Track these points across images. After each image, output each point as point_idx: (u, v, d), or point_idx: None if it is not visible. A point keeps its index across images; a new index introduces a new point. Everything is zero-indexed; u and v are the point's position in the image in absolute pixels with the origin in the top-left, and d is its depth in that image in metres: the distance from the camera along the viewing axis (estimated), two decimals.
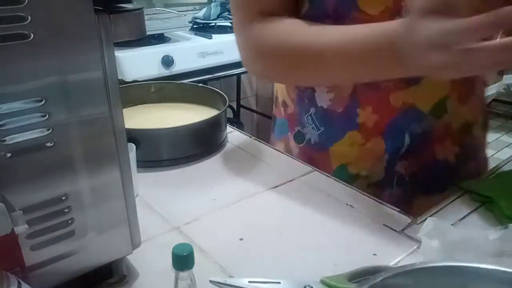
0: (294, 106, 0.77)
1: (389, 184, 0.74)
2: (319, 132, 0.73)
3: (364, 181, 0.72)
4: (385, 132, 0.69)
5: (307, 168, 0.85)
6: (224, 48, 1.90)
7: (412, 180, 0.72)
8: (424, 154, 0.71)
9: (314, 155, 0.76)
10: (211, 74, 1.86)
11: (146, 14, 1.94)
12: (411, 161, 0.71)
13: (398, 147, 0.70)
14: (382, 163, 0.71)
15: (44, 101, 0.41)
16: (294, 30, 0.62)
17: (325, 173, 0.83)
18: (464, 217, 0.69)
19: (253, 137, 0.99)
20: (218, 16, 2.10)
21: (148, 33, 1.70)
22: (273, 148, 0.94)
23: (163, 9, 2.08)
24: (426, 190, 0.73)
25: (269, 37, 0.63)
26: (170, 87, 1.10)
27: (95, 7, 0.42)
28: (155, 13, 2.04)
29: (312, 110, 0.72)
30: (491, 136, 3.53)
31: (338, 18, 0.64)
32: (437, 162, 0.72)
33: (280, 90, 0.83)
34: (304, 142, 0.76)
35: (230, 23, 2.13)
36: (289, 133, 0.81)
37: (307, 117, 0.74)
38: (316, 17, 0.64)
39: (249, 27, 0.65)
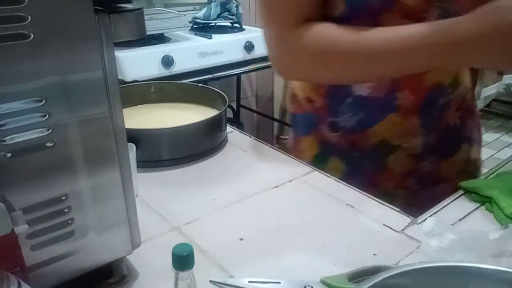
0: (323, 100, 0.80)
1: (425, 155, 0.79)
2: (358, 118, 0.76)
3: (403, 152, 0.77)
4: (419, 109, 0.74)
5: (307, 168, 0.85)
6: (224, 48, 1.90)
7: (435, 149, 0.78)
8: (441, 123, 0.78)
9: (353, 138, 0.79)
10: (211, 74, 1.86)
11: (146, 14, 1.94)
12: (435, 131, 0.77)
13: (430, 121, 0.76)
14: (419, 138, 0.77)
15: (44, 101, 0.41)
16: (343, 32, 0.65)
17: (325, 173, 0.83)
18: (464, 217, 0.69)
19: (253, 137, 0.99)
20: (218, 16, 2.10)
21: (148, 33, 1.70)
22: (273, 148, 0.94)
23: (163, 9, 2.08)
24: (442, 156, 0.80)
25: (318, 41, 0.66)
26: (170, 87, 1.10)
27: (95, 7, 0.42)
28: (155, 13, 2.04)
29: (349, 99, 0.75)
30: (491, 136, 3.53)
31: (376, 13, 0.66)
32: (448, 127, 0.79)
33: (301, 87, 0.85)
34: (340, 131, 0.79)
35: (230, 23, 2.13)
36: (322, 125, 0.83)
37: (342, 107, 0.77)
38: (353, 17, 0.67)
39: (293, 35, 0.67)
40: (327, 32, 0.66)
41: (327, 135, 0.82)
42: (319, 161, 0.84)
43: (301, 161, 0.88)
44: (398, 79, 0.72)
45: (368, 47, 0.62)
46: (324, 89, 0.80)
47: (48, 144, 0.43)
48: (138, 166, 0.77)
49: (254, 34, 2.04)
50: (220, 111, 0.93)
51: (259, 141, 0.97)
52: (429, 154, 0.79)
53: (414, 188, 0.82)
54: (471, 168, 0.87)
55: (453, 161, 0.81)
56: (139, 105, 1.05)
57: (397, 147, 0.77)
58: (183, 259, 0.43)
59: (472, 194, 0.73)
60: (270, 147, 0.95)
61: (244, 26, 2.14)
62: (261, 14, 0.72)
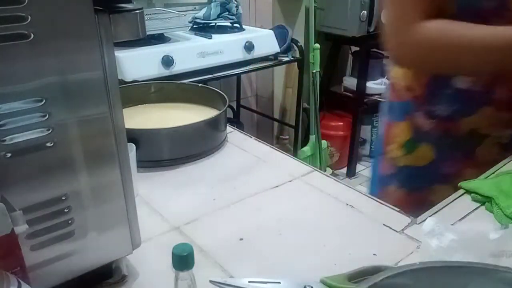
0: (424, 89, 0.85)
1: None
2: (453, 108, 0.82)
3: (492, 141, 0.82)
4: None
5: (307, 168, 0.85)
6: (224, 48, 1.90)
7: None
8: None
9: (446, 126, 0.84)
10: (211, 74, 1.86)
11: (146, 14, 1.93)
12: None
13: None
14: (509, 130, 0.81)
15: (44, 101, 0.41)
16: (460, 26, 0.72)
17: (325, 173, 0.83)
18: (464, 217, 0.69)
19: (253, 137, 0.99)
20: (218, 16, 2.10)
21: (148, 33, 1.69)
22: (273, 148, 0.94)
23: (163, 9, 2.08)
24: None
25: (438, 33, 0.74)
26: (170, 87, 1.10)
27: (95, 7, 0.42)
28: (155, 13, 2.04)
29: (448, 91, 0.81)
30: None
31: (485, 17, 0.71)
32: None
33: (402, 77, 0.90)
34: (436, 118, 0.84)
35: (230, 23, 2.13)
36: (418, 112, 0.88)
37: (441, 97, 0.83)
38: (461, 19, 0.72)
39: (415, 27, 0.74)
40: (445, 26, 0.73)
41: (422, 122, 0.87)
42: (409, 147, 0.89)
43: (301, 161, 0.88)
44: (499, 75, 0.76)
45: (481, 41, 0.70)
46: (426, 80, 0.84)
47: (48, 144, 0.43)
48: (138, 166, 0.77)
49: (254, 34, 2.04)
50: (220, 111, 0.93)
51: (259, 141, 0.97)
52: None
53: None
54: None
55: None
56: (139, 105, 1.05)
57: (486, 136, 0.82)
58: (183, 259, 0.43)
59: (472, 194, 0.73)
60: (270, 147, 0.95)
61: (244, 26, 2.14)
62: (389, 2, 0.78)
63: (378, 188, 0.99)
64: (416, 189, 0.90)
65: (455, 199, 0.73)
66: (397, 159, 0.92)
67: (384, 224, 0.67)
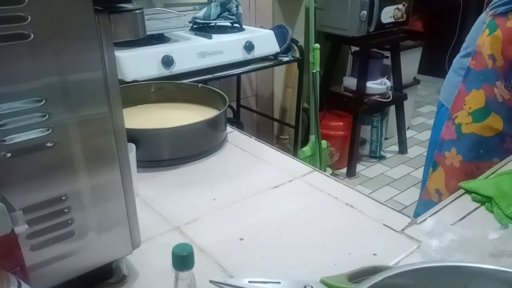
0: (506, 63, 0.87)
1: None
2: None
3: None
4: None
5: (307, 168, 0.85)
6: (224, 48, 1.89)
7: None
8: None
9: None
10: (211, 74, 1.85)
11: (146, 14, 1.93)
12: None
13: None
14: None
15: (44, 101, 0.41)
16: None
17: (325, 173, 0.83)
18: (464, 217, 0.69)
19: (253, 137, 0.99)
20: (218, 16, 2.10)
21: (148, 33, 1.69)
22: (273, 148, 0.94)
23: (163, 9, 2.08)
24: None
25: None
26: (170, 87, 1.10)
27: (95, 7, 0.42)
28: (155, 13, 2.03)
29: None
30: None
31: None
32: None
33: (489, 46, 0.90)
34: None
35: (230, 23, 2.13)
36: (499, 82, 0.89)
37: None
38: None
39: None
40: None
41: (498, 92, 0.88)
42: (480, 115, 0.89)
43: (301, 161, 0.88)
44: None
45: None
46: (511, 54, 0.85)
47: (48, 144, 0.43)
48: (138, 166, 0.77)
49: (254, 34, 2.03)
50: (220, 111, 0.93)
51: (259, 141, 0.97)
52: None
53: None
54: None
55: None
56: (139, 105, 1.05)
57: None
58: (183, 259, 0.43)
59: (472, 194, 0.73)
60: (270, 147, 0.95)
61: (244, 26, 2.14)
62: None
63: (434, 151, 0.99)
64: (473, 159, 0.90)
65: (455, 199, 0.73)
66: (463, 126, 0.91)
67: (384, 224, 0.67)
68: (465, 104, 0.93)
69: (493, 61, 0.90)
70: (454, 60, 1.04)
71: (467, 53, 0.98)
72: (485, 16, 0.96)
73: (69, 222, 0.47)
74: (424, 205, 0.99)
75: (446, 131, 0.97)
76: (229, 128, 1.00)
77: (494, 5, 0.92)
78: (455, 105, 0.96)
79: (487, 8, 0.95)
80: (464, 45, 1.02)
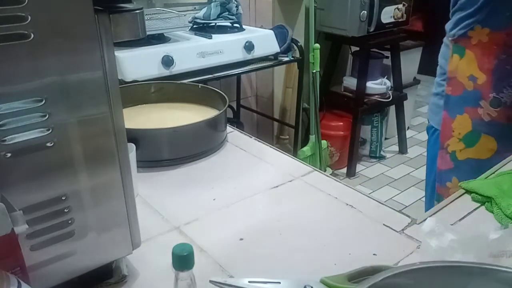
0: (489, 76, 0.85)
1: None
2: None
3: None
4: None
5: (307, 168, 0.85)
6: (224, 48, 1.89)
7: None
8: None
9: (510, 114, 0.85)
10: (211, 74, 1.85)
11: (146, 14, 1.93)
12: None
13: None
14: None
15: (44, 101, 0.41)
16: None
17: (325, 173, 0.83)
18: (464, 217, 0.69)
19: (253, 137, 0.99)
20: (218, 16, 2.10)
21: (148, 33, 1.69)
22: (273, 148, 0.94)
23: (163, 9, 2.08)
24: None
25: None
26: (170, 87, 1.10)
27: (95, 7, 0.42)
28: (155, 13, 2.03)
29: None
30: None
31: None
32: None
33: (463, 68, 0.90)
34: (502, 106, 0.84)
35: (230, 23, 2.13)
36: (482, 101, 0.88)
37: (509, 81, 0.83)
38: None
39: None
40: None
41: (484, 112, 0.87)
42: (470, 139, 0.89)
43: (301, 161, 0.88)
44: None
45: None
46: (491, 66, 0.85)
47: (48, 144, 0.43)
48: (138, 166, 0.77)
49: (254, 34, 2.03)
50: (220, 111, 0.93)
51: (259, 141, 0.97)
52: None
53: None
54: None
55: None
56: (139, 105, 1.05)
57: None
58: (183, 259, 0.43)
59: (472, 194, 0.73)
60: (270, 147, 0.95)
61: (244, 26, 2.14)
62: None
63: (437, 185, 0.98)
64: None
65: (455, 199, 0.73)
66: (457, 153, 0.91)
67: (384, 224, 0.67)
68: (453, 131, 0.93)
69: (473, 81, 0.89)
70: (435, 83, 1.03)
71: (445, 77, 0.98)
72: (446, 41, 0.96)
73: (69, 222, 0.47)
74: None
75: (442, 162, 0.96)
76: (229, 128, 1.00)
77: (451, 32, 0.92)
78: (443, 134, 0.95)
79: (447, 36, 0.95)
80: (439, 69, 1.01)
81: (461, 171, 0.91)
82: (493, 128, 0.87)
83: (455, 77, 0.92)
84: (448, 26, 0.94)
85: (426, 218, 0.63)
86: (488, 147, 0.87)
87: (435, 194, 1.01)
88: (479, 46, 0.86)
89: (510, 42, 0.82)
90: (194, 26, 2.11)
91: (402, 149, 2.97)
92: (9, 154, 0.41)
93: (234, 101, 2.53)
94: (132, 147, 0.74)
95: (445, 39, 0.98)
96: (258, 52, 1.98)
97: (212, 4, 2.11)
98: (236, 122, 2.43)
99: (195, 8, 2.34)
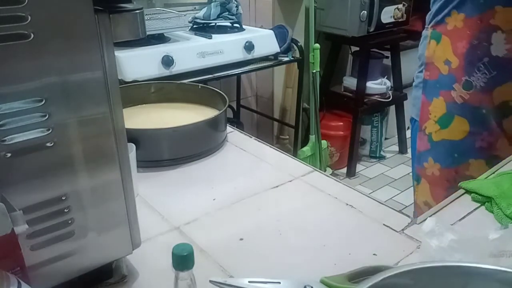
0: (462, 60, 0.90)
1: None
2: (490, 76, 0.86)
3: None
4: None
5: (307, 168, 0.85)
6: (224, 48, 1.89)
7: None
8: None
9: (481, 97, 0.88)
10: (211, 74, 1.85)
11: (146, 14, 1.93)
12: None
13: None
14: None
15: (44, 101, 0.41)
16: None
17: (325, 173, 0.83)
18: (464, 217, 0.69)
19: (253, 137, 0.99)
20: (218, 16, 2.10)
21: (148, 33, 1.69)
22: (273, 148, 0.94)
23: (163, 9, 2.08)
24: None
25: None
26: (170, 87, 1.10)
27: (95, 7, 0.42)
28: (155, 13, 2.03)
29: (486, 59, 0.86)
30: None
31: None
32: None
33: (440, 53, 0.94)
34: (473, 89, 0.88)
35: (230, 23, 2.13)
36: (456, 84, 0.92)
37: (478, 66, 0.87)
38: None
39: None
40: None
41: (457, 95, 0.91)
42: (445, 121, 0.93)
43: (301, 161, 0.88)
44: None
45: None
46: (463, 50, 0.89)
47: (48, 144, 0.43)
48: (138, 166, 0.77)
49: (254, 34, 2.03)
50: (220, 111, 0.93)
51: (259, 141, 0.97)
52: None
53: None
54: None
55: None
56: (139, 105, 1.05)
57: None
58: (183, 259, 0.43)
59: (472, 194, 0.73)
60: (270, 147, 0.95)
61: (244, 26, 2.14)
62: None
63: (416, 166, 1.02)
64: (450, 164, 0.92)
65: (455, 199, 0.73)
66: (433, 134, 0.94)
67: (384, 224, 0.67)
68: (430, 114, 0.96)
69: (448, 65, 0.93)
70: (414, 77, 1.08)
71: (423, 68, 1.02)
72: (426, 33, 1.00)
73: (69, 222, 0.47)
74: None
75: (420, 143, 0.99)
76: (229, 128, 1.00)
77: (429, 19, 0.97)
78: (422, 116, 0.98)
79: (426, 26, 1.00)
80: (419, 62, 1.06)
81: (436, 152, 0.95)
82: (465, 111, 0.90)
83: (432, 62, 0.96)
84: (428, 16, 0.98)
85: (426, 218, 0.63)
86: (461, 128, 0.90)
87: (415, 176, 1.04)
88: (454, 31, 0.89)
89: (482, 28, 0.85)
90: (194, 26, 2.11)
91: (402, 149, 2.97)
92: (9, 154, 0.41)
93: (234, 101, 2.53)
94: (132, 147, 0.74)
95: (424, 31, 1.01)
96: (258, 52, 1.98)
97: (212, 4, 2.11)
98: (236, 122, 2.43)
99: (195, 8, 2.34)
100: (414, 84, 1.07)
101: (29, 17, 0.38)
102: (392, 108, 2.90)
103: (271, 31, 2.09)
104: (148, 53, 1.71)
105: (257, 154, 0.91)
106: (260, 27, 2.27)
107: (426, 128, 0.97)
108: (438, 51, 0.94)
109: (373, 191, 2.51)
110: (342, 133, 2.70)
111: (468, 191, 0.74)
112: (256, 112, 2.66)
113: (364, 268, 0.52)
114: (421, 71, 1.02)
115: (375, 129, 2.82)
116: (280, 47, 2.06)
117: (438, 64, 0.94)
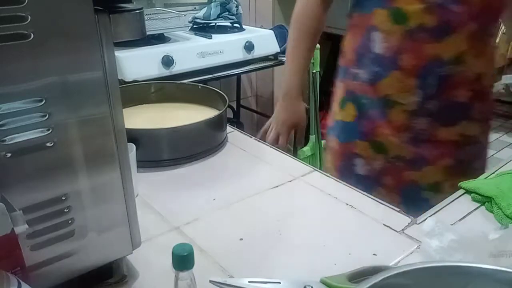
0: (353, 54, 1.01)
1: (420, 115, 0.94)
2: (372, 71, 0.96)
3: (400, 108, 0.94)
4: (418, 73, 0.91)
5: (307, 168, 0.85)
6: (224, 48, 1.89)
7: (436, 115, 0.94)
8: (446, 96, 0.93)
9: (366, 88, 0.98)
10: (211, 74, 1.85)
11: (146, 14, 1.93)
12: (436, 100, 0.93)
13: (427, 87, 0.92)
14: (415, 97, 0.93)
15: (44, 101, 0.41)
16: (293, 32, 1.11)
17: (325, 173, 0.84)
18: (464, 217, 0.69)
19: (253, 137, 0.99)
20: (218, 16, 2.10)
21: (148, 33, 1.69)
22: (273, 148, 0.94)
23: (163, 9, 2.08)
24: (445, 123, 0.96)
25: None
26: (170, 87, 1.10)
27: (95, 7, 0.42)
28: (155, 13, 2.04)
29: (371, 55, 0.95)
30: (491, 136, 3.52)
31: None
32: (455, 103, 0.94)
33: (345, 45, 1.06)
34: (359, 81, 0.99)
35: (230, 23, 2.13)
36: (348, 75, 1.04)
37: (365, 60, 0.97)
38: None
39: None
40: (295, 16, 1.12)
41: (351, 83, 1.02)
42: (342, 104, 1.06)
43: (301, 161, 0.89)
44: (402, 45, 0.90)
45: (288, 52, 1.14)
46: (355, 45, 0.99)
47: (48, 144, 0.43)
48: (138, 166, 0.77)
49: (254, 34, 2.04)
50: (220, 111, 0.93)
51: (259, 141, 0.97)
52: (425, 116, 0.94)
53: (408, 142, 0.97)
54: (465, 142, 0.98)
55: (451, 131, 0.96)
56: (139, 105, 1.05)
57: (396, 102, 0.94)
58: (183, 259, 0.43)
59: (472, 194, 0.73)
60: (270, 147, 0.95)
61: (244, 26, 2.14)
62: None
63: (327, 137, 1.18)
64: (344, 141, 1.05)
65: (455, 199, 0.73)
66: (335, 114, 1.09)
67: (384, 224, 0.67)
68: (336, 96, 1.11)
69: (344, 57, 1.05)
70: None
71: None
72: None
73: (69, 222, 0.47)
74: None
75: (329, 119, 1.14)
76: (229, 128, 1.00)
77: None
78: (334, 96, 1.13)
79: None
80: None
81: (335, 130, 1.08)
82: (353, 98, 1.01)
83: (344, 51, 1.07)
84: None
85: (426, 218, 0.63)
86: (350, 113, 1.02)
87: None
88: (353, 27, 1.01)
89: (368, 26, 0.94)
90: (194, 26, 2.11)
91: None
92: (9, 154, 0.41)
93: (234, 101, 2.53)
94: (132, 147, 0.74)
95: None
96: (258, 52, 1.98)
97: (212, 4, 2.11)
98: (236, 122, 2.43)
99: (195, 8, 2.34)
100: None
101: (29, 17, 0.38)
102: None
103: (271, 31, 2.09)
104: (148, 53, 1.71)
105: (257, 154, 0.91)
106: (260, 27, 2.27)
107: (333, 107, 1.11)
108: (346, 43, 1.05)
109: None
110: None
111: (468, 191, 0.74)
112: (256, 112, 2.66)
113: (364, 268, 0.52)
114: None
115: None
116: (280, 47, 2.06)
117: (343, 55, 1.06)
